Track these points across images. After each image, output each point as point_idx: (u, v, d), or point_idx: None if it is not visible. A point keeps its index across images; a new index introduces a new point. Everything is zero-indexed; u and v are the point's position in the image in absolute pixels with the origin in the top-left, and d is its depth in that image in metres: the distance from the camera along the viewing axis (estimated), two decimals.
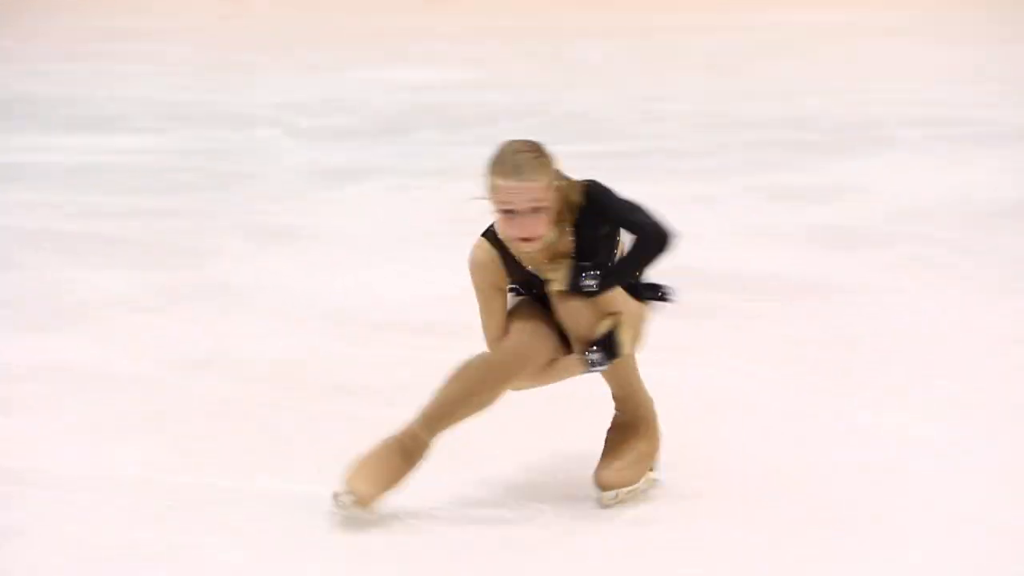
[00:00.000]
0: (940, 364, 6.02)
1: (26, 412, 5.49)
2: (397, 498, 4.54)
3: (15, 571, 4.16)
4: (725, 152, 11.07)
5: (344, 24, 21.35)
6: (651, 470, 4.70)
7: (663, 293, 4.59)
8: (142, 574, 4.17)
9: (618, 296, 4.50)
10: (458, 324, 6.25)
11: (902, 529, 4.40)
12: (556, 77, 15.72)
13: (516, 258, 4.49)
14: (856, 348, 6.25)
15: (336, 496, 4.42)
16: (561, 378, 4.60)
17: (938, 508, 4.56)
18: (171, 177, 10.33)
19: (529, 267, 4.51)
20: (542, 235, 4.39)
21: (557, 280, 4.47)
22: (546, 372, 4.56)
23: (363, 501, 4.41)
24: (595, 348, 4.50)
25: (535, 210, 4.36)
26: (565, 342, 4.54)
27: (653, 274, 4.57)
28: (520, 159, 4.35)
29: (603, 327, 4.50)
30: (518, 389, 4.59)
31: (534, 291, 4.55)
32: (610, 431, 4.73)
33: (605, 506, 4.58)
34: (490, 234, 4.51)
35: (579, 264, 4.46)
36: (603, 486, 4.59)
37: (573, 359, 4.53)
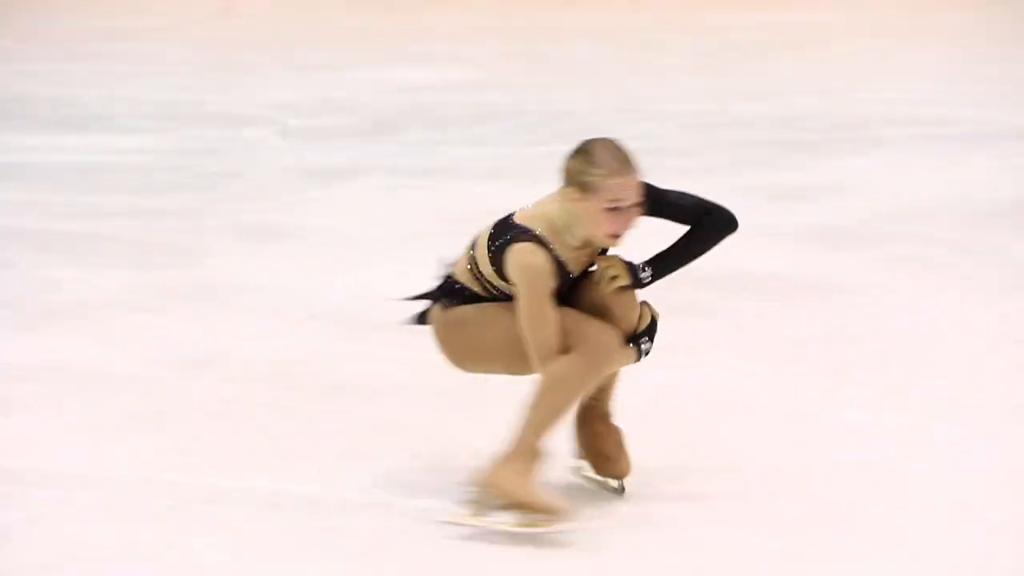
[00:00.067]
0: (940, 364, 6.02)
1: (25, 412, 5.49)
2: (396, 498, 4.54)
3: (14, 571, 4.16)
4: (716, 151, 11.07)
5: (337, 24, 21.34)
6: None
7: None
8: (142, 574, 4.17)
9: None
10: None
11: (902, 529, 4.40)
12: (548, 77, 15.72)
13: (561, 261, 4.49)
14: (856, 348, 6.25)
15: (552, 532, 4.38)
16: (613, 370, 4.62)
17: (938, 508, 4.56)
18: (165, 177, 10.33)
19: (572, 270, 4.52)
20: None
21: (621, 276, 4.51)
22: None
23: (563, 510, 4.41)
24: (647, 338, 4.56)
25: (637, 205, 4.43)
26: None
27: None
28: (628, 155, 4.43)
29: (647, 317, 4.58)
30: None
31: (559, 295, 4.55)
32: (599, 423, 4.73)
33: (622, 492, 4.66)
34: (534, 238, 4.46)
35: (629, 261, 4.55)
36: (628, 473, 4.68)
37: (627, 351, 4.54)
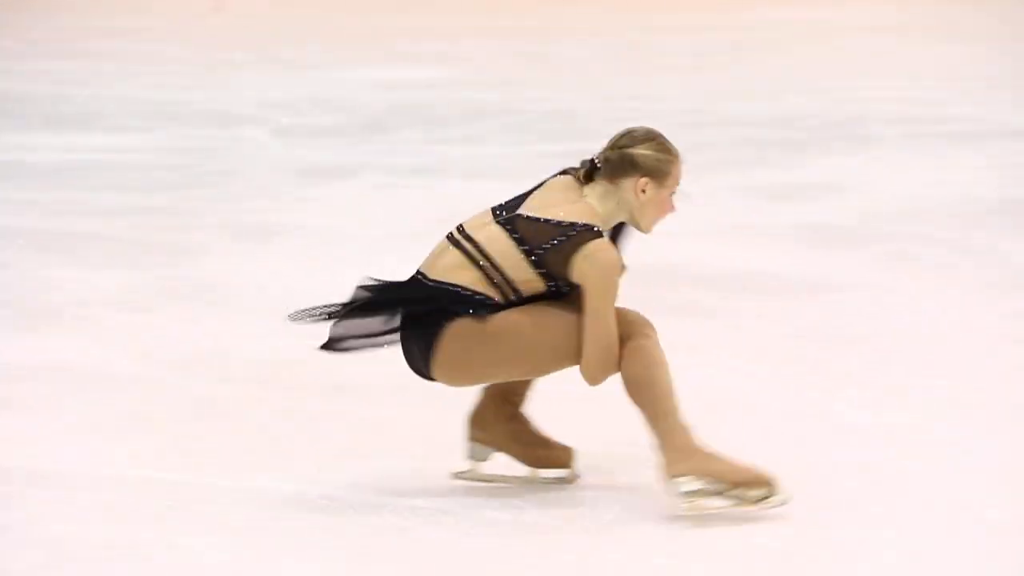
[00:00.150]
0: (940, 364, 6.02)
1: (24, 412, 5.48)
2: (396, 499, 4.54)
3: (14, 571, 4.16)
4: (711, 150, 11.06)
5: (328, 23, 21.33)
6: None
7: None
8: (142, 574, 4.16)
9: None
10: None
11: (902, 529, 4.40)
12: (540, 76, 15.71)
13: None
14: (856, 348, 6.25)
15: (780, 501, 4.43)
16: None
17: (938, 508, 4.56)
18: (156, 176, 10.32)
19: None
20: None
21: None
22: None
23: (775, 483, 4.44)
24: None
25: None
26: None
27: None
28: None
29: None
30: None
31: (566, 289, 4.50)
32: (520, 419, 4.71)
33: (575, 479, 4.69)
34: (600, 233, 4.43)
35: None
36: (573, 456, 4.72)
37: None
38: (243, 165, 10.80)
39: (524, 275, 4.41)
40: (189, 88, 14.77)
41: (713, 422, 5.33)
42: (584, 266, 4.37)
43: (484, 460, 4.72)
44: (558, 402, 5.11)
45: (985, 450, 5.04)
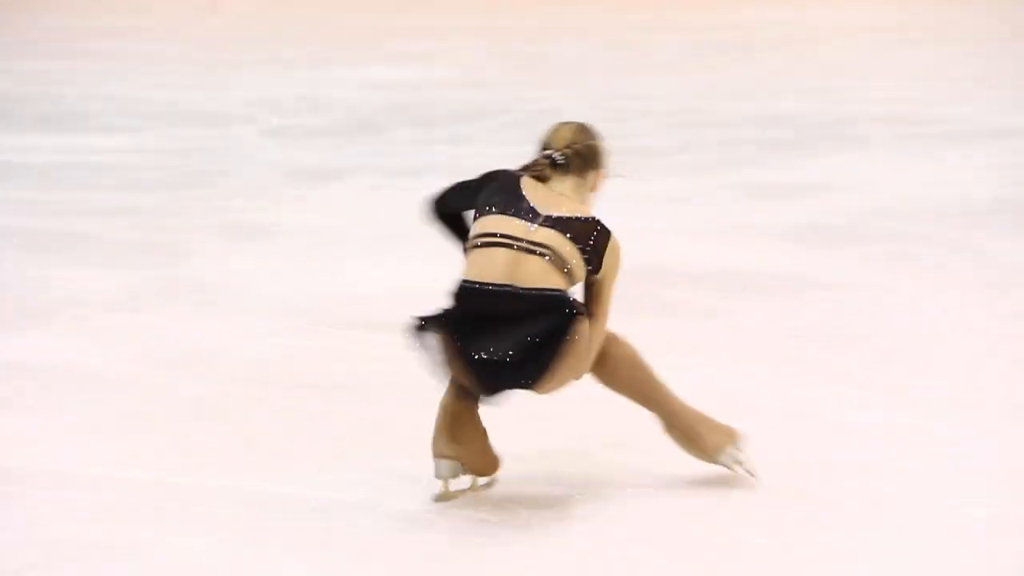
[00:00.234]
0: (940, 364, 6.02)
1: (23, 412, 5.48)
2: (394, 498, 4.54)
3: (13, 570, 4.16)
4: (702, 150, 11.06)
5: (322, 23, 21.35)
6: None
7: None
8: (141, 574, 4.16)
9: None
10: None
11: (902, 529, 4.40)
12: (530, 76, 15.73)
13: None
14: (856, 348, 6.25)
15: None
16: None
17: (938, 508, 4.56)
18: (147, 175, 10.32)
19: None
20: None
21: None
22: None
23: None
24: None
25: None
26: None
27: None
28: None
29: None
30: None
31: None
32: (479, 420, 4.68)
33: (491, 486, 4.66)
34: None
35: None
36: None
37: None
38: (237, 165, 10.80)
39: (582, 273, 4.50)
40: (184, 88, 14.77)
41: None
42: (610, 259, 4.50)
43: (455, 477, 4.61)
44: (557, 402, 5.11)
45: (985, 450, 5.04)
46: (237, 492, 4.68)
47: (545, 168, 4.61)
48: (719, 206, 9.16)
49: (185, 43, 18.79)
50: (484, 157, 10.84)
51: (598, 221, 4.51)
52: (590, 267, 4.47)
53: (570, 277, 4.46)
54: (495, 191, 4.56)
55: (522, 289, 4.43)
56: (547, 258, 4.44)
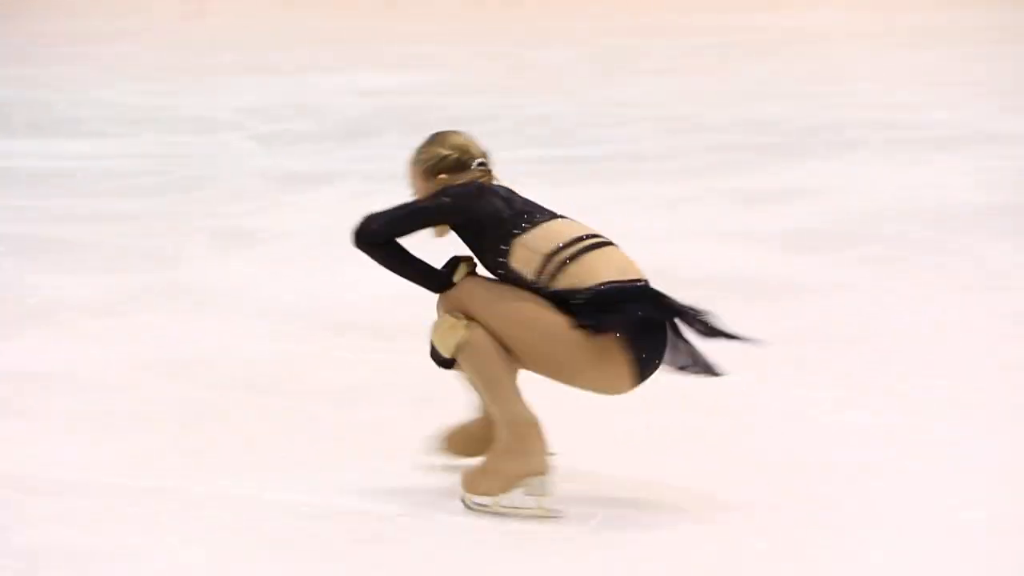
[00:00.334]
0: (940, 364, 6.02)
1: (17, 417, 5.46)
2: (394, 502, 4.53)
3: (9, 572, 4.14)
4: (692, 155, 11.07)
5: (309, 28, 21.38)
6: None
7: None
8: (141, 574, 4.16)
9: None
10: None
11: (902, 529, 4.39)
12: (519, 81, 15.74)
13: None
14: (856, 348, 6.25)
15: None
16: None
17: (938, 508, 4.56)
18: (134, 181, 10.31)
19: None
20: None
21: None
22: None
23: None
24: None
25: None
26: None
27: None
28: None
29: None
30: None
31: None
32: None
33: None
34: None
35: None
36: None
37: None
38: (227, 170, 10.80)
39: None
40: (168, 93, 14.77)
41: (713, 423, 5.35)
42: None
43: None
44: (551, 406, 5.11)
45: (985, 451, 5.04)
46: (235, 495, 4.67)
47: (488, 175, 4.84)
48: (711, 210, 9.16)
49: (174, 49, 18.80)
50: None
51: None
52: None
53: None
54: (508, 203, 4.61)
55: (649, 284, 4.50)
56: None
